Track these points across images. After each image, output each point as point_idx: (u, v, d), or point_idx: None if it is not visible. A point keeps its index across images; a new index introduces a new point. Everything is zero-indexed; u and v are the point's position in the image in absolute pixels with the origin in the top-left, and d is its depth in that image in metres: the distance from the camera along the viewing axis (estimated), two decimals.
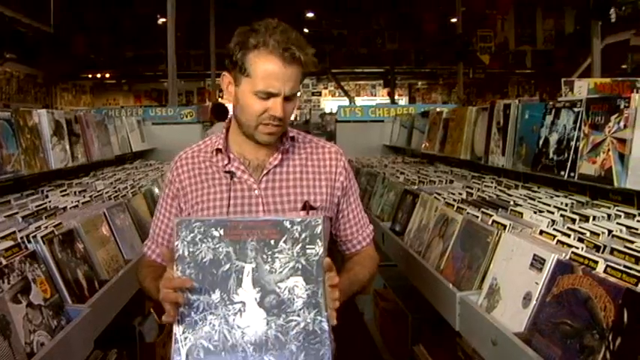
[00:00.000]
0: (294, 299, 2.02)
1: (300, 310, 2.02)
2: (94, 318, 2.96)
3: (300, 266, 2.02)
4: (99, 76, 34.41)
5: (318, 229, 2.03)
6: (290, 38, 2.30)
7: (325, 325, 2.03)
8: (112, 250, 3.79)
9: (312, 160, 2.65)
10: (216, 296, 2.02)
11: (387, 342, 5.76)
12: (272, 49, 2.29)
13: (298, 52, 2.30)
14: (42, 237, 2.95)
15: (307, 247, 2.02)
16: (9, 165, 3.85)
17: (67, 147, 4.87)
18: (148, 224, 4.60)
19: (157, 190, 5.49)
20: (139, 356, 4.73)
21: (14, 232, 2.91)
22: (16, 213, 3.46)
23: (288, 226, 2.03)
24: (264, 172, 2.54)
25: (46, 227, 3.11)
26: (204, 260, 2.02)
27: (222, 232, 2.03)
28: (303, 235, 2.02)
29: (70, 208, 3.89)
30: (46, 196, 4.23)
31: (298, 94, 2.49)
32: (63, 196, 4.30)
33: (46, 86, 31.24)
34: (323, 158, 2.67)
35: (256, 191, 2.52)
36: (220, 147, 2.57)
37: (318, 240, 2.02)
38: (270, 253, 2.02)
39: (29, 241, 2.90)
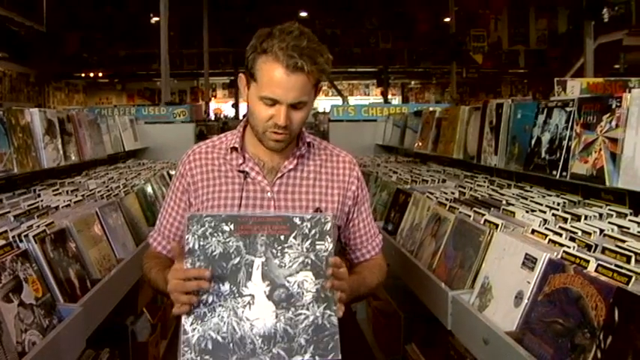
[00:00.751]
0: (303, 293, 2.03)
1: (309, 304, 2.03)
2: (86, 317, 2.95)
3: (309, 261, 2.04)
4: (92, 75, 34.42)
5: (328, 225, 2.06)
6: (299, 46, 2.25)
7: (334, 320, 2.05)
8: (104, 250, 3.78)
9: (326, 167, 2.64)
10: (225, 288, 2.02)
11: (380, 341, 5.75)
12: (277, 56, 2.25)
13: (302, 61, 2.24)
14: (34, 236, 2.94)
15: (317, 242, 2.05)
16: (1, 164, 3.84)
17: (60, 146, 4.86)
18: (140, 223, 4.61)
19: (149, 190, 5.49)
20: (131, 355, 4.72)
21: (6, 231, 2.91)
22: (8, 212, 3.45)
23: (298, 223, 2.06)
24: (279, 175, 2.52)
25: (38, 226, 3.11)
26: (214, 254, 2.03)
27: (232, 227, 2.04)
28: (313, 232, 2.06)
29: (62, 207, 3.88)
30: (38, 195, 4.22)
31: (316, 101, 2.48)
32: (55, 195, 4.29)
33: (38, 85, 31.18)
34: (337, 167, 2.66)
35: (269, 193, 2.50)
36: (236, 145, 2.54)
37: (327, 236, 2.06)
38: (279, 248, 2.04)
39: (21, 240, 2.90)
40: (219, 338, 2.03)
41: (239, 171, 2.52)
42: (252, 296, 2.02)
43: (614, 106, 2.88)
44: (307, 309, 2.03)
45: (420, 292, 3.65)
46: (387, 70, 33.58)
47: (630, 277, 1.99)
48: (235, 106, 34.26)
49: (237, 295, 2.02)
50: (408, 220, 4.34)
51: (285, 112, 2.31)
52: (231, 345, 2.03)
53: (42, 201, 3.96)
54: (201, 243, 2.02)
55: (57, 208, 3.83)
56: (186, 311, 2.05)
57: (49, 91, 32.89)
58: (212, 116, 30.85)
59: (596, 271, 2.14)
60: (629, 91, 2.83)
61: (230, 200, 2.48)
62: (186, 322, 2.06)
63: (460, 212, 3.50)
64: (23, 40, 21.32)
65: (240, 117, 30.26)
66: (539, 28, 32.90)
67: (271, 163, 2.53)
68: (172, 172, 6.77)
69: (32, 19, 16.94)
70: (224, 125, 22.14)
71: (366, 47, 33.76)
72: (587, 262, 2.21)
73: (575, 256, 2.29)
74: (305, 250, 2.04)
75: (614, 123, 2.86)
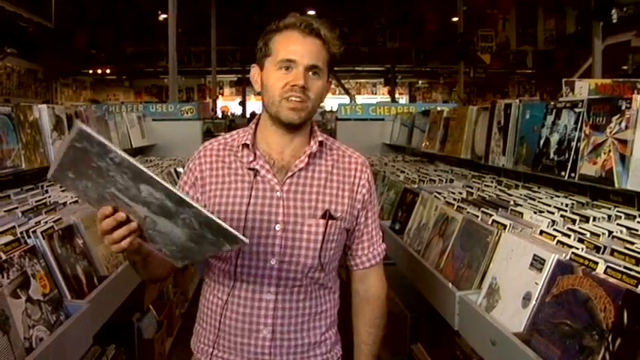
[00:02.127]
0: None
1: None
2: (93, 313, 2.96)
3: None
4: (99, 71, 34.55)
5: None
6: (310, 18, 2.40)
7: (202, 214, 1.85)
8: None
9: (337, 168, 2.59)
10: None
11: (386, 340, 5.75)
12: (291, 25, 2.37)
13: (317, 24, 2.36)
14: (42, 232, 2.95)
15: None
16: (9, 160, 3.84)
17: None
18: None
19: None
20: (137, 352, 4.74)
21: (14, 227, 2.92)
22: (16, 208, 3.46)
23: None
24: (289, 174, 2.48)
25: (46, 222, 3.11)
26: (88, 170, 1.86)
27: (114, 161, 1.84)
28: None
29: (70, 203, 3.89)
30: (46, 192, 4.23)
31: (329, 81, 2.51)
32: (63, 191, 4.29)
33: (46, 81, 31.32)
34: (348, 168, 2.61)
35: (278, 193, 2.45)
36: (247, 142, 2.51)
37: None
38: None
39: (29, 236, 2.90)
40: (173, 247, 2.01)
41: (249, 169, 2.48)
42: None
43: (623, 107, 2.87)
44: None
45: (426, 292, 3.64)
46: (395, 69, 33.64)
47: (639, 279, 1.98)
48: (242, 103, 34.38)
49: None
50: (416, 219, 4.33)
51: (303, 73, 2.34)
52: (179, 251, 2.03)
53: (50, 197, 3.97)
54: (79, 155, 1.83)
55: (65, 204, 3.84)
56: (127, 248, 2.01)
57: (56, 87, 33.06)
58: (219, 114, 30.92)
59: (604, 272, 2.13)
60: (638, 93, 2.83)
61: (239, 198, 2.44)
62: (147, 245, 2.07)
63: (468, 212, 3.49)
64: (31, 36, 21.34)
65: (247, 115, 30.36)
66: (547, 29, 32.86)
67: (282, 161, 2.49)
68: (180, 170, 6.79)
69: (41, 16, 16.94)
70: (231, 123, 22.21)
71: (373, 46, 33.79)
72: (596, 263, 2.20)
73: (584, 258, 2.29)
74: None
75: (623, 124, 2.85)
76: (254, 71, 2.50)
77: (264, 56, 2.43)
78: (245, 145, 2.52)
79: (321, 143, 2.56)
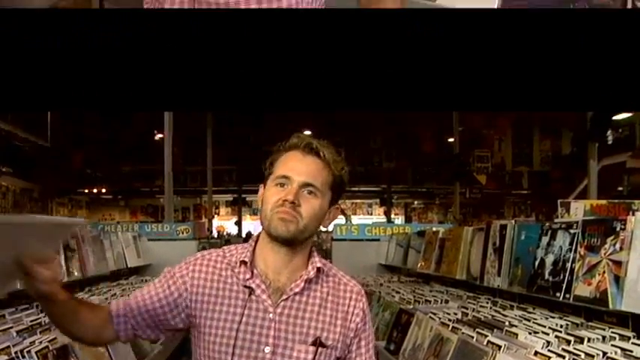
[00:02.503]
0: None
1: None
2: None
3: None
4: (95, 191, 34.71)
5: None
6: (313, 140, 2.43)
7: None
8: None
9: (333, 295, 2.54)
10: None
11: None
12: (293, 145, 2.42)
13: (317, 145, 2.39)
14: (36, 352, 2.94)
15: None
16: None
17: (63, 262, 4.87)
18: (142, 339, 4.57)
19: None
20: None
21: (8, 347, 2.91)
22: (11, 327, 3.45)
23: None
24: (284, 297, 2.44)
25: (41, 342, 3.10)
26: None
27: None
28: None
29: None
30: (41, 311, 4.21)
31: (334, 201, 2.52)
32: None
33: (41, 201, 31.34)
34: (343, 296, 2.56)
35: (271, 315, 2.41)
36: (246, 259, 2.47)
37: None
38: None
39: (23, 357, 2.89)
40: None
41: (245, 286, 2.45)
42: None
43: (618, 228, 2.90)
44: None
45: None
46: (391, 189, 33.79)
47: None
48: (238, 223, 34.37)
49: None
50: (411, 340, 4.32)
51: (296, 190, 2.35)
52: None
53: (45, 317, 3.95)
54: None
55: None
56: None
57: (52, 206, 33.06)
58: (215, 234, 30.91)
59: None
60: (633, 214, 2.86)
61: (231, 315, 2.41)
62: None
63: (463, 333, 3.49)
64: (27, 155, 21.52)
65: (243, 235, 30.34)
66: (543, 149, 33.11)
67: (278, 283, 2.46)
68: None
69: (37, 135, 17.10)
70: (227, 243, 22.13)
71: (369, 166, 34.01)
72: None
73: None
74: None
75: (618, 245, 2.88)
76: (260, 191, 2.52)
77: (267, 175, 2.46)
78: (243, 262, 2.48)
79: (318, 269, 2.52)
